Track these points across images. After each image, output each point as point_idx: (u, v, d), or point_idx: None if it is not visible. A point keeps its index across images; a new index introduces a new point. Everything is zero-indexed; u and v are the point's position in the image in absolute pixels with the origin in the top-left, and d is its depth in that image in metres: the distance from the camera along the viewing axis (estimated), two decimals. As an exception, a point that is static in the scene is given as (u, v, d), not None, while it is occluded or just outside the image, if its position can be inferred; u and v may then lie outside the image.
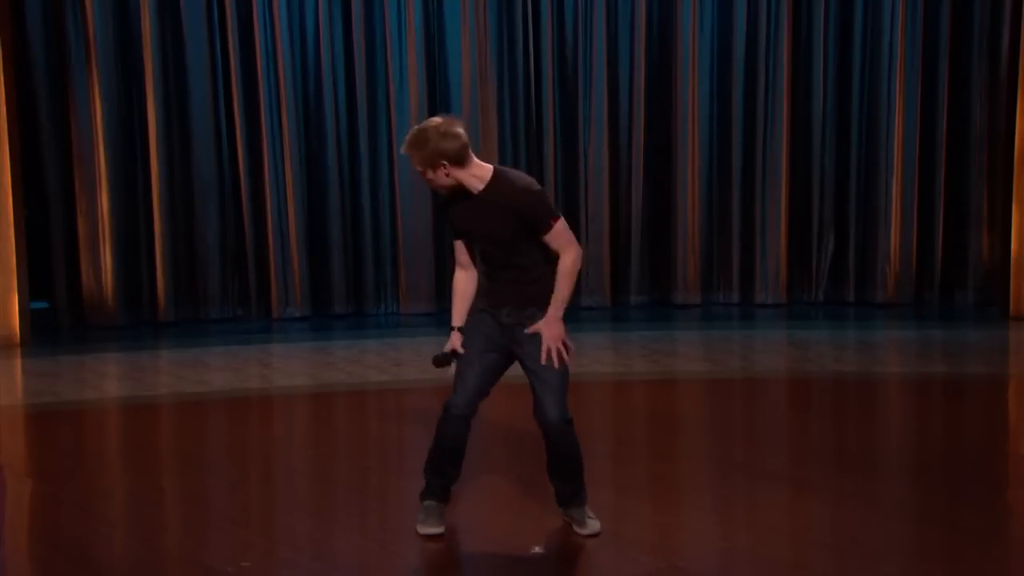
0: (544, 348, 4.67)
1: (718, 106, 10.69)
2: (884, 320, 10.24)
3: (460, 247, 4.84)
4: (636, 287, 10.82)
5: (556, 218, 4.63)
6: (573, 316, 10.43)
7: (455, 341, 4.82)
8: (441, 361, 4.85)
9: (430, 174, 4.57)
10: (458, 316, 4.86)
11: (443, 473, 4.92)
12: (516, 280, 4.72)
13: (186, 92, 10.03)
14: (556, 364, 4.66)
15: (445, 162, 4.54)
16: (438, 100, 10.40)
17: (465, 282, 4.88)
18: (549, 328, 4.67)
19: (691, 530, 5.15)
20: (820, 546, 4.91)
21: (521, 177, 4.72)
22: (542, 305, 4.71)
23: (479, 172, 4.63)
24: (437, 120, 4.61)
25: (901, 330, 9.91)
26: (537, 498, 5.27)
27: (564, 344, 4.68)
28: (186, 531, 5.30)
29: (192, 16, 9.96)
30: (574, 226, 10.40)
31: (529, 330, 4.69)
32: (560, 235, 4.64)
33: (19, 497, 5.83)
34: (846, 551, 4.84)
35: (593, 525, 4.88)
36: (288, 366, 8.75)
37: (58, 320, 10.01)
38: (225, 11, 9.98)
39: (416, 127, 4.63)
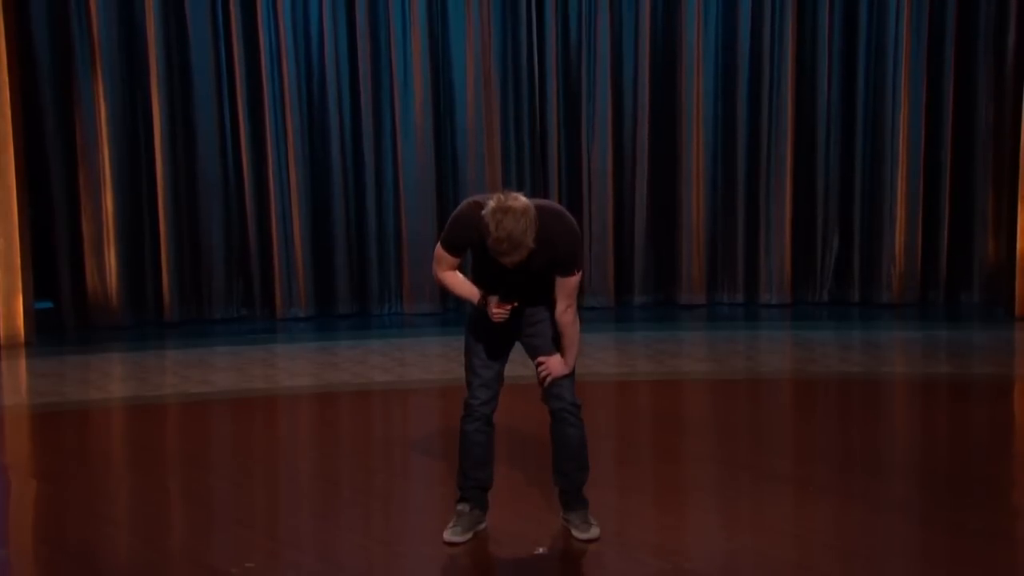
0: (545, 369, 4.74)
1: (722, 105, 10.66)
2: (889, 320, 10.22)
3: (452, 263, 4.78)
4: (640, 287, 10.79)
5: (580, 269, 4.67)
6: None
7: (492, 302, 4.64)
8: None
9: (525, 254, 4.43)
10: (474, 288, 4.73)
11: (468, 476, 4.89)
12: (527, 299, 4.74)
13: (191, 93, 10.03)
14: (544, 378, 4.77)
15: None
16: (442, 101, 10.39)
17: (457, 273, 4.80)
18: (558, 366, 4.76)
19: (696, 531, 5.15)
20: (825, 547, 4.91)
21: (566, 216, 4.70)
22: (549, 303, 4.74)
23: None
24: (517, 204, 4.39)
25: (906, 331, 9.89)
26: (539, 499, 5.27)
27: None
28: (190, 532, 5.30)
29: (196, 16, 9.95)
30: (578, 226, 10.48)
31: (541, 359, 4.75)
32: (573, 287, 4.68)
33: (24, 497, 5.84)
34: (851, 552, 4.83)
35: (594, 531, 4.88)
36: (292, 366, 8.75)
37: (63, 320, 10.00)
38: (229, 12, 9.97)
39: (505, 231, 4.35)
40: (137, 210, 10.04)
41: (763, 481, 5.70)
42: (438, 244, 4.79)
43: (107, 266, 9.95)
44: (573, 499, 4.92)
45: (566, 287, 4.67)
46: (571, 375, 4.82)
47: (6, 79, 9.05)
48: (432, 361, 8.77)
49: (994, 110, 10.48)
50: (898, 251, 10.61)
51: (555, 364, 4.77)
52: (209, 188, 10.12)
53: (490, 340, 4.76)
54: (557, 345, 4.80)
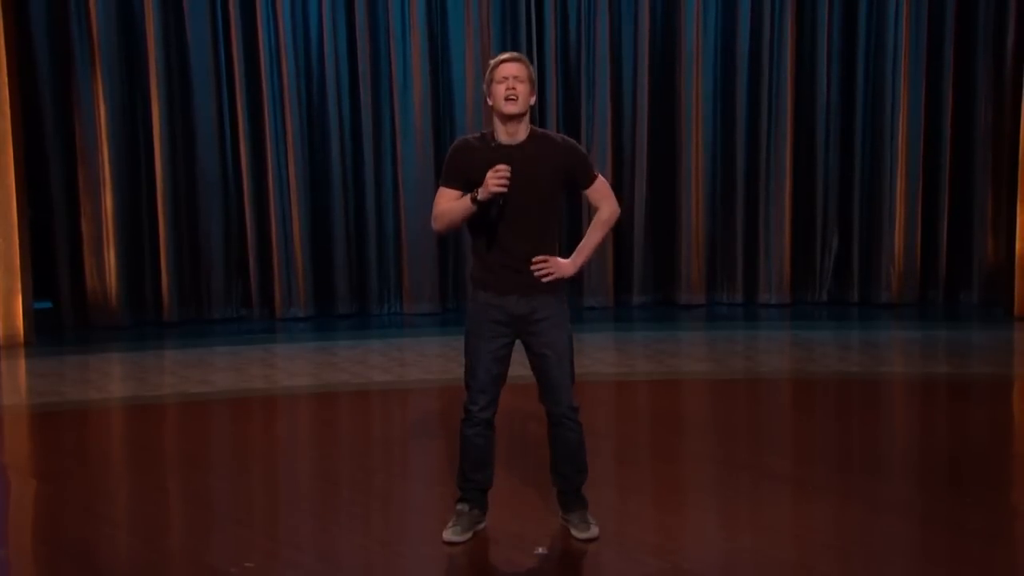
0: (545, 265, 4.63)
1: (722, 105, 10.67)
2: (888, 320, 10.23)
3: (451, 197, 4.69)
4: (639, 287, 10.80)
5: (597, 172, 4.77)
6: (576, 317, 10.45)
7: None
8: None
9: (526, 91, 4.65)
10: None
11: (467, 477, 4.88)
12: (530, 258, 4.65)
13: (190, 92, 10.04)
14: (542, 274, 4.64)
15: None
16: (441, 100, 10.40)
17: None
18: (563, 267, 4.68)
19: (695, 531, 5.15)
20: (824, 547, 4.91)
21: (558, 133, 4.89)
22: (550, 290, 4.69)
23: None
24: None
25: (905, 330, 9.89)
26: (539, 499, 5.27)
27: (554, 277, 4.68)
28: (189, 531, 5.30)
29: (196, 16, 9.96)
30: (577, 225, 10.50)
31: (537, 259, 4.63)
32: (602, 187, 4.77)
33: (23, 497, 5.84)
34: (850, 552, 4.83)
35: (593, 531, 4.87)
36: (292, 366, 8.75)
37: (62, 320, 10.01)
38: (229, 11, 9.98)
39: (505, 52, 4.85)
40: (136, 210, 10.05)
41: (763, 481, 5.70)
42: (437, 192, 4.76)
43: (106, 266, 9.95)
44: (572, 499, 4.92)
45: (598, 192, 4.75)
46: (569, 380, 4.78)
47: (6, 80, 9.06)
48: (431, 361, 8.77)
49: (993, 110, 10.49)
50: (897, 251, 10.62)
51: (558, 265, 4.66)
52: (209, 188, 10.13)
53: (490, 343, 4.74)
54: (558, 343, 4.75)
